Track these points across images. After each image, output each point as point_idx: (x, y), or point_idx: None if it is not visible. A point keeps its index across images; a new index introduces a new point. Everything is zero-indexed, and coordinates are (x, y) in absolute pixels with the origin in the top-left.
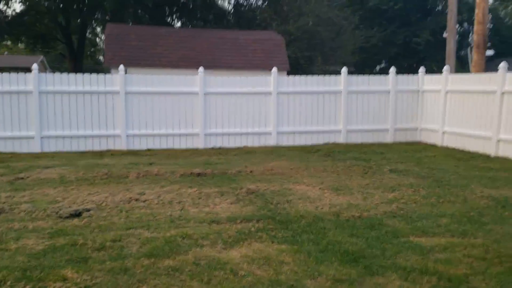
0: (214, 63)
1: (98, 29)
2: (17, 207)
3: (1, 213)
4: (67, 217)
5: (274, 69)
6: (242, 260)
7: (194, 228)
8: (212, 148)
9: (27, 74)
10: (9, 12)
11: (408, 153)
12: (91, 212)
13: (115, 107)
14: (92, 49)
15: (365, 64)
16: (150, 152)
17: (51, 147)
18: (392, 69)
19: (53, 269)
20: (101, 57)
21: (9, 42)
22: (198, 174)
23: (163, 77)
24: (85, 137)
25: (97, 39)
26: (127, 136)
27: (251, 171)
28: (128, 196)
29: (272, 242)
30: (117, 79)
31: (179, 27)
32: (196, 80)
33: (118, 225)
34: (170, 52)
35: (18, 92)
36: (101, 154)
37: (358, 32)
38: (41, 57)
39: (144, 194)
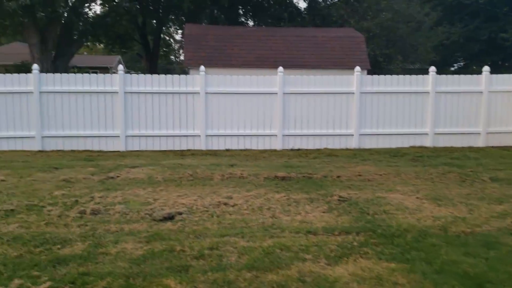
0: (291, 62)
1: (172, 30)
2: (111, 208)
3: (96, 214)
4: (160, 220)
5: (357, 68)
6: (351, 279)
7: (290, 239)
8: (291, 150)
9: (114, 76)
10: (90, 14)
11: (506, 159)
12: (183, 215)
13: (196, 107)
14: (166, 49)
15: (445, 62)
16: (229, 152)
17: (135, 146)
18: (486, 68)
19: (155, 277)
20: (172, 57)
21: (88, 43)
22: (283, 178)
23: (243, 77)
24: (167, 136)
25: (170, 40)
26: (206, 136)
27: (338, 176)
28: (217, 200)
29: (380, 259)
30: (198, 80)
31: (255, 27)
32: (275, 80)
33: (212, 231)
34: (246, 52)
35: (104, 92)
36: (182, 153)
37: (438, 29)
38: (118, 57)
39: (232, 198)
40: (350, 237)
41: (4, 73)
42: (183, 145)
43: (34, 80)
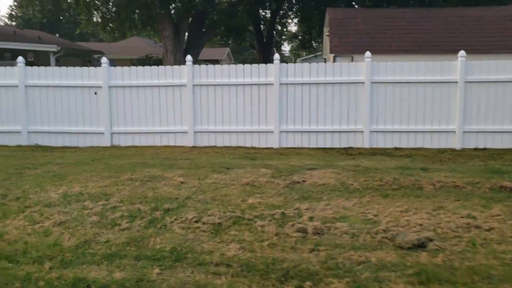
0: (454, 47)
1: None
2: (332, 225)
3: (320, 234)
4: (409, 248)
5: None
6: None
7: None
8: (475, 149)
9: (269, 66)
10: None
11: None
12: (435, 242)
13: (358, 99)
14: (279, 39)
15: None
16: (401, 152)
17: (289, 142)
18: None
19: None
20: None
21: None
22: None
23: (414, 64)
24: (324, 132)
25: (284, 30)
26: (370, 132)
27: None
28: (459, 220)
29: None
30: (362, 68)
31: (409, 9)
32: (454, 67)
33: (496, 269)
34: (400, 36)
35: (258, 84)
36: (347, 152)
37: None
38: (227, 50)
39: (476, 218)
40: None
41: (129, 66)
42: (343, 142)
43: (188, 72)
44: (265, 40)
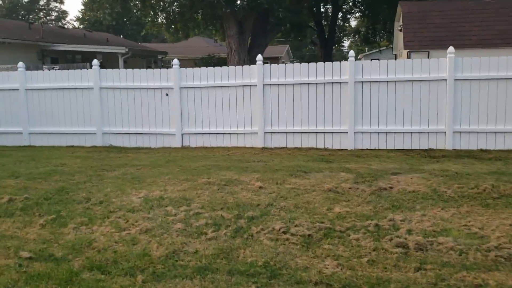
0: None
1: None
2: (434, 240)
3: (423, 250)
4: None
5: None
6: None
7: None
8: None
9: (343, 64)
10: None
11: None
12: None
13: (440, 97)
14: (340, 35)
15: None
16: (490, 154)
17: (364, 143)
18: None
19: None
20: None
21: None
22: None
23: (503, 58)
24: (403, 133)
25: (345, 25)
26: (453, 133)
27: None
28: None
29: None
30: (444, 64)
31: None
32: None
33: None
34: (481, 28)
35: (331, 83)
36: (429, 154)
37: None
38: (287, 47)
39: None
40: None
41: (193, 67)
42: (423, 143)
43: (258, 72)
44: (326, 36)
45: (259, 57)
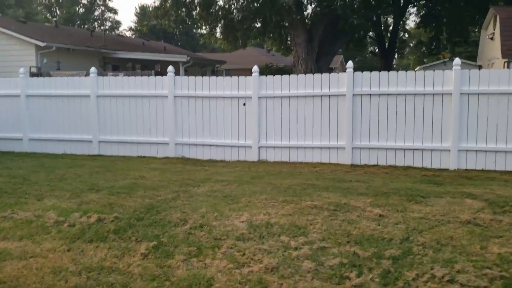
0: None
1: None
2: None
3: None
4: None
5: None
6: None
7: None
8: None
9: (446, 73)
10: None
11: None
12: None
13: None
14: (401, 45)
15: None
16: None
17: (469, 163)
18: None
19: None
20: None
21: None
22: None
23: None
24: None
25: (406, 34)
26: None
27: None
28: None
29: None
30: None
31: None
32: None
33: None
34: None
35: (423, 94)
36: None
37: None
38: (341, 57)
39: None
40: None
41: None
42: None
43: (348, 80)
44: (387, 46)
45: (350, 63)
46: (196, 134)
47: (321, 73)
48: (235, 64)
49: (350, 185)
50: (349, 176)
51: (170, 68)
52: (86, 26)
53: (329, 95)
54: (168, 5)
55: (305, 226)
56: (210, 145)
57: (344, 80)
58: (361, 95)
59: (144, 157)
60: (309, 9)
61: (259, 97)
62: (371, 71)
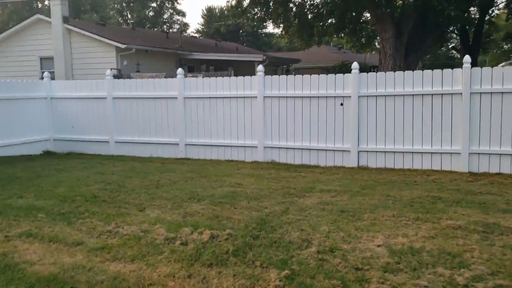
0: None
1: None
2: None
3: None
4: None
5: None
6: None
7: None
8: None
9: None
10: None
11: None
12: None
13: None
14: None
15: None
16: None
17: None
18: None
19: None
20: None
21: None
22: None
23: None
24: None
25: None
26: None
27: None
28: None
29: None
30: None
31: None
32: None
33: None
34: None
35: None
36: None
37: None
38: None
39: None
40: None
41: (324, 74)
42: None
43: (465, 76)
44: (471, 42)
45: (467, 58)
46: (286, 137)
47: (412, 71)
48: (305, 63)
49: (484, 199)
50: (475, 186)
51: (260, 67)
52: (155, 29)
53: (442, 94)
54: (245, 3)
55: (459, 253)
56: (302, 149)
57: (459, 77)
58: (491, 93)
59: (232, 161)
60: (399, 2)
61: (359, 96)
62: (442, 69)
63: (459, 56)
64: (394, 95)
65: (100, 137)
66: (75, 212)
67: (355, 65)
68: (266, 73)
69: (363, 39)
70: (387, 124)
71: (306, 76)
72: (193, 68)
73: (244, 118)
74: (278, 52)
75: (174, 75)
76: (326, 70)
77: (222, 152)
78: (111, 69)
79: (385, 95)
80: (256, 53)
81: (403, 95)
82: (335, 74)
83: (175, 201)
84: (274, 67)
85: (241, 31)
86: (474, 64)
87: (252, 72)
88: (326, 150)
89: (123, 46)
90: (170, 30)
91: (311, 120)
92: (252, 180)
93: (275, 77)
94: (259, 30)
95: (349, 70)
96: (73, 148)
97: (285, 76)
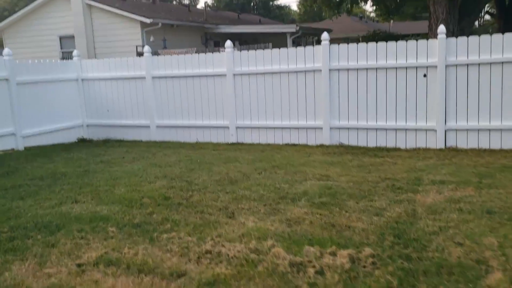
0: None
1: None
2: None
3: None
4: None
5: None
6: None
7: None
8: None
9: None
10: None
11: None
12: None
13: None
14: None
15: None
16: None
17: None
18: None
19: None
20: None
21: None
22: None
23: None
24: None
25: None
26: None
27: None
28: None
29: None
30: None
31: None
32: None
33: None
34: None
35: None
36: None
37: None
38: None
39: None
40: None
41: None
42: None
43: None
44: (507, 4)
45: (441, 28)
46: (357, 116)
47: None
48: (333, 34)
49: None
50: None
51: (325, 35)
52: (174, 2)
53: None
54: None
55: None
56: (376, 129)
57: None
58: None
59: (294, 145)
60: None
61: (446, 66)
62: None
63: (495, 20)
64: (490, 63)
65: (140, 121)
66: (152, 223)
67: (441, 28)
68: (298, 45)
69: (393, 5)
70: (481, 95)
71: (381, 44)
72: (219, 42)
73: (305, 96)
74: (313, 22)
75: (203, 51)
76: (351, 40)
77: (280, 135)
78: (136, 47)
79: (479, 63)
80: (274, 24)
81: (502, 62)
82: (416, 40)
83: (265, 203)
84: (305, 38)
85: (252, 3)
86: (508, 28)
87: (283, 45)
88: (406, 129)
89: (148, 21)
90: (190, 3)
91: (388, 95)
92: (337, 170)
93: (343, 46)
94: (271, 2)
95: (381, 39)
96: (109, 134)
97: (355, 44)
